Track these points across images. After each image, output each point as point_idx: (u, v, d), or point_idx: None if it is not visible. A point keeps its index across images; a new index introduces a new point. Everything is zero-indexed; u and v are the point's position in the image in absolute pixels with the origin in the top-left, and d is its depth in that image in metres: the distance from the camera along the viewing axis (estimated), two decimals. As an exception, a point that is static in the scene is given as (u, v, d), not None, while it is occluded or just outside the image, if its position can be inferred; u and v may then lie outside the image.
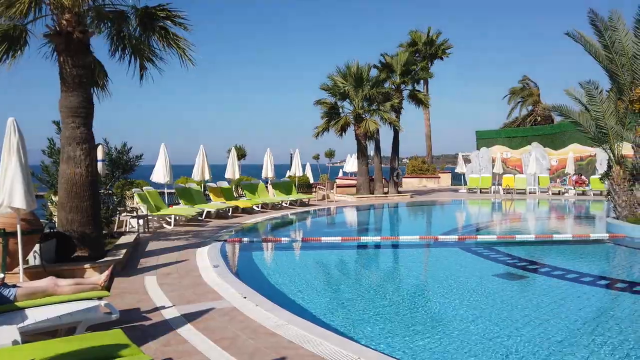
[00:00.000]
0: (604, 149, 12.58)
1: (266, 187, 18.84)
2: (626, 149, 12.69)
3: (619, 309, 6.04)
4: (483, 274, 7.72)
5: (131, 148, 9.43)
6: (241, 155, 25.30)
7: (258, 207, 16.74)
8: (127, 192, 11.72)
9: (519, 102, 46.27)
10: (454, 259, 9.05)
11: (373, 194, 23.08)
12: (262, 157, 19.48)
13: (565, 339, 4.69)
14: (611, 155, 12.20)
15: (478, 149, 32.76)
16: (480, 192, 26.93)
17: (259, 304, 5.43)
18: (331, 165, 41.48)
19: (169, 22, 7.93)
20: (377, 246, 10.67)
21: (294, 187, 20.02)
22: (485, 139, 34.36)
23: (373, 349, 4.24)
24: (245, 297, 5.70)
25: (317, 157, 42.21)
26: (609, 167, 12.49)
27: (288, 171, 25.21)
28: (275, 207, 17.76)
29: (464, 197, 24.33)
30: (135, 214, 11.57)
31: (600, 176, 23.72)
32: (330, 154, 40.32)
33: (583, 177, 26.20)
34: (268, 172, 19.14)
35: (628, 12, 11.68)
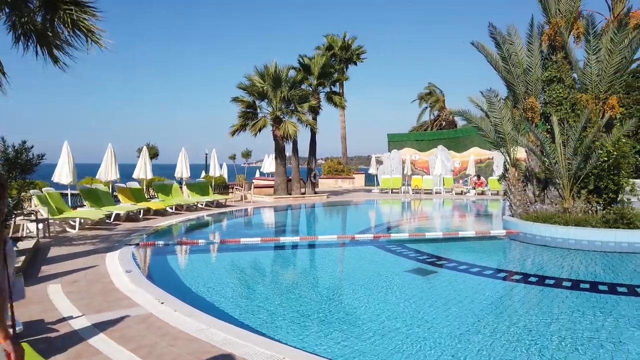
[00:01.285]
0: (501, 152, 13.73)
1: (180, 187, 18.19)
2: (520, 153, 13.98)
3: (516, 297, 6.66)
4: (396, 270, 8.10)
5: (32, 147, 8.61)
6: (153, 154, 24.20)
7: (172, 208, 16.11)
8: (25, 193, 10.70)
9: (426, 107, 49.11)
10: (369, 257, 9.39)
11: (291, 194, 23.21)
12: (176, 157, 18.79)
13: (472, 327, 5.08)
14: (507, 158, 13.36)
15: (389, 151, 34.22)
16: (392, 192, 28.16)
17: (178, 309, 5.25)
18: (248, 165, 41.04)
19: (74, 6, 7.37)
20: (296, 246, 10.76)
21: (210, 187, 19.53)
22: (396, 141, 36.00)
23: (297, 348, 4.29)
24: (162, 303, 5.47)
25: (233, 157, 41.55)
26: (505, 169, 13.66)
27: (204, 171, 24.54)
28: (191, 208, 17.21)
29: (376, 197, 25.31)
30: (33, 217, 10.60)
31: (497, 177, 25.97)
32: (247, 154, 39.91)
33: (482, 178, 28.43)
34: (182, 172, 18.49)
35: (524, 27, 12.91)
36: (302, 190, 24.08)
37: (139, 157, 17.48)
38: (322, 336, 4.79)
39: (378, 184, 30.20)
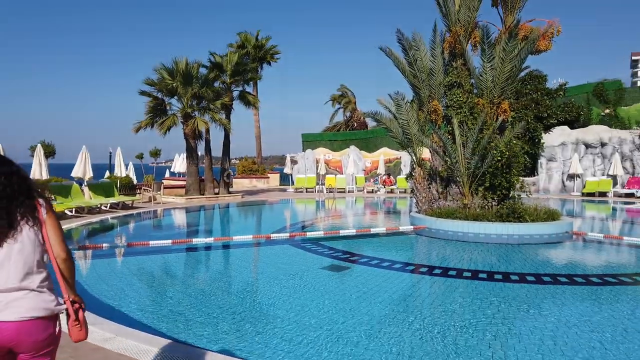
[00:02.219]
0: (408, 152, 14.48)
1: (81, 189, 16.92)
2: (425, 153, 14.85)
3: (423, 289, 7.07)
4: (311, 267, 8.22)
5: None
6: (49, 153, 22.27)
7: (71, 211, 14.94)
8: None
9: (339, 108, 50.34)
10: (285, 256, 9.43)
11: (203, 194, 22.58)
12: (76, 156, 17.46)
13: (383, 319, 5.30)
14: (414, 158, 14.11)
15: (304, 150, 34.61)
16: (306, 192, 28.50)
17: (80, 319, 4.88)
18: (157, 165, 39.20)
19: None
20: (210, 247, 10.50)
21: (115, 188, 18.39)
22: (310, 141, 36.51)
23: (212, 351, 4.19)
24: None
25: (140, 157, 39.49)
26: (412, 168, 14.43)
27: (108, 171, 23.07)
28: (93, 211, 16.08)
29: (291, 197, 25.47)
30: None
31: (405, 176, 27.36)
32: (155, 153, 38.11)
33: (391, 177, 29.76)
34: (84, 172, 17.23)
35: (429, 33, 13.68)
36: (216, 190, 23.54)
37: (32, 156, 15.99)
38: (238, 337, 4.73)
39: (293, 183, 30.41)
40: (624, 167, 25.64)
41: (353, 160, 30.85)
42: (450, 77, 13.22)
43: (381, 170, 30.59)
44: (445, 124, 13.61)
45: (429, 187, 13.75)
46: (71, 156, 19.14)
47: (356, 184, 30.15)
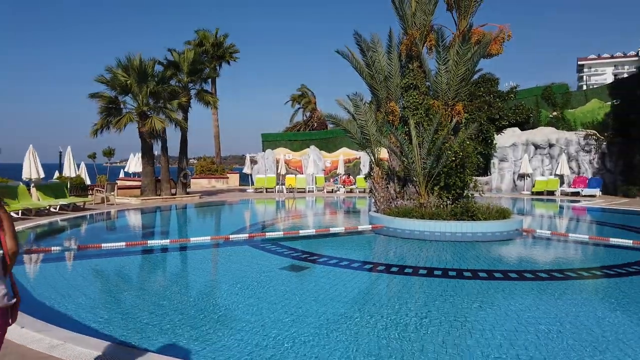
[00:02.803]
0: (367, 152, 14.69)
1: (29, 190, 16.15)
2: (383, 153, 15.09)
3: (381, 286, 7.19)
4: (270, 268, 8.19)
5: None
6: (-7, 152, 21.06)
7: (18, 213, 14.24)
8: None
9: (299, 108, 50.34)
10: (244, 257, 9.35)
11: (160, 195, 22.05)
12: (23, 155, 16.66)
13: (340, 317, 5.36)
14: (372, 158, 14.32)
15: (264, 150, 34.42)
16: (266, 192, 28.36)
17: (26, 325, 4.67)
18: (111, 165, 37.92)
19: None
20: (166, 249, 10.26)
21: (65, 189, 17.66)
22: (270, 141, 36.31)
23: (167, 355, 4.11)
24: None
25: (93, 156, 38.11)
26: (371, 168, 14.64)
27: (57, 171, 22.14)
28: (41, 213, 15.40)
29: (251, 197, 25.27)
30: None
31: (364, 176, 27.70)
32: (109, 153, 36.88)
33: (351, 177, 30.06)
34: (31, 172, 16.46)
35: (387, 35, 13.90)
36: (173, 190, 23.03)
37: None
38: (194, 340, 4.65)
39: (253, 184, 30.18)
40: (570, 167, 26.96)
41: (313, 160, 30.96)
42: (406, 79, 13.50)
43: (341, 170, 30.85)
44: (402, 125, 13.89)
45: (387, 187, 13.98)
46: (17, 156, 18.25)
47: (316, 184, 30.26)
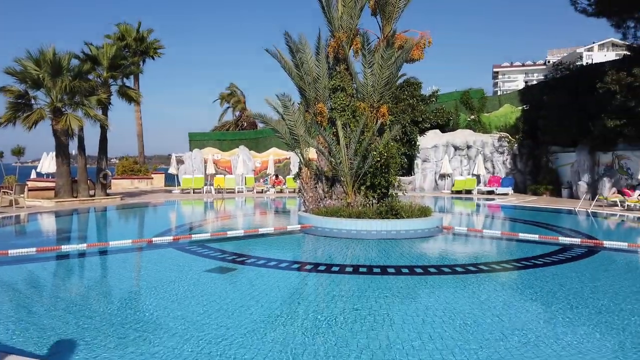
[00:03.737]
0: (296, 153, 14.78)
1: None
2: (312, 153, 15.26)
3: (308, 285, 7.28)
4: (196, 270, 7.99)
5: None
6: None
7: None
8: None
9: (228, 107, 49.48)
10: (168, 260, 9.04)
11: (76, 197, 20.72)
12: None
13: (269, 318, 5.36)
14: (301, 158, 14.43)
15: (191, 150, 33.47)
16: (194, 193, 27.61)
17: None
18: (21, 165, 35.00)
19: None
20: (83, 254, 9.67)
21: (-34, 192, 16.07)
22: (198, 140, 35.37)
23: (81, 366, 3.89)
24: None
25: (0, 156, 34.99)
26: (300, 168, 14.76)
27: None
28: (-63, 218, 13.90)
29: (177, 198, 24.48)
30: None
31: (293, 176, 27.80)
32: (18, 152, 34.02)
33: (280, 177, 30.06)
34: None
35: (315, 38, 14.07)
36: (91, 192, 21.74)
37: None
38: (115, 349, 4.44)
39: (179, 184, 29.24)
40: (485, 168, 28.83)
41: (243, 161, 30.58)
42: (334, 81, 13.76)
43: (271, 170, 30.75)
44: (330, 126, 14.13)
45: (316, 187, 14.16)
46: None
47: (246, 184, 29.93)
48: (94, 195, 21.67)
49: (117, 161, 37.50)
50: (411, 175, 29.90)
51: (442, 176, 29.52)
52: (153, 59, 38.61)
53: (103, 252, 9.80)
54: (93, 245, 10.51)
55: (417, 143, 29.31)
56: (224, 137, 37.28)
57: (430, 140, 29.79)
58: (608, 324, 5.26)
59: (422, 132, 30.02)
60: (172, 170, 29.75)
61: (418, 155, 29.65)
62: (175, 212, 19.48)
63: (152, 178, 33.72)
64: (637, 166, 18.98)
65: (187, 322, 5.21)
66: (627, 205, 18.37)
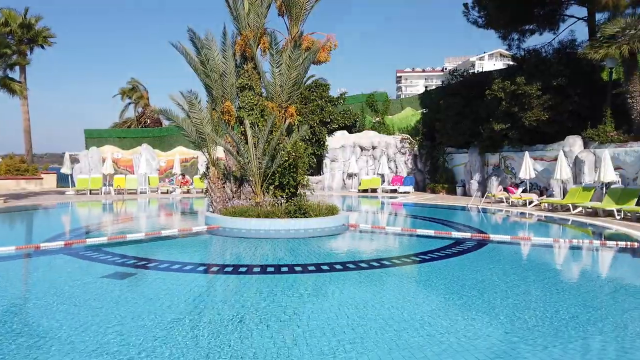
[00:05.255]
0: (203, 152, 14.39)
1: None
2: (220, 153, 14.96)
3: (214, 287, 7.12)
4: (91, 277, 7.46)
5: None
6: None
7: None
8: None
9: (129, 103, 46.74)
10: (58, 267, 8.34)
11: (-52, 200, 18.33)
12: None
13: (172, 324, 5.16)
14: (208, 157, 14.08)
15: (87, 148, 31.17)
16: (91, 194, 25.78)
17: None
18: None
19: None
20: (-45, 265, 8.57)
21: None
22: (95, 138, 33.00)
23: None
24: None
25: None
26: (207, 168, 14.39)
27: None
28: None
29: (72, 200, 22.68)
30: None
31: (200, 176, 27.07)
32: None
33: (187, 177, 29.08)
34: None
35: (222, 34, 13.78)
36: (-33, 194, 19.36)
37: None
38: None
39: (74, 185, 27.07)
40: (389, 167, 30.28)
41: (146, 159, 29.07)
42: (242, 80, 13.60)
43: (177, 170, 29.61)
44: (238, 125, 13.95)
45: (224, 187, 13.91)
46: None
47: (149, 184, 28.52)
48: (-30, 198, 19.32)
49: (0, 160, 33.74)
50: (320, 174, 30.50)
51: (350, 175, 30.48)
52: (43, 47, 35.33)
53: (-20, 261, 8.76)
54: (-32, 253, 9.37)
55: (326, 143, 29.97)
56: (125, 134, 35.17)
57: (338, 141, 30.61)
58: (494, 307, 5.79)
59: (331, 132, 30.75)
60: (65, 169, 27.44)
61: (327, 155, 30.32)
62: (69, 215, 18.01)
63: (42, 178, 30.89)
64: (520, 166, 21.07)
65: (78, 332, 4.85)
66: (512, 201, 20.32)
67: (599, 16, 22.35)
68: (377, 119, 33.43)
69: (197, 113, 13.55)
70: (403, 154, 30.47)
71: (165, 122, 41.50)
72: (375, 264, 8.66)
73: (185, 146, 31.41)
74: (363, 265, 8.49)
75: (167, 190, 27.72)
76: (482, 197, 22.65)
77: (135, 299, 6.17)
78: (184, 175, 28.97)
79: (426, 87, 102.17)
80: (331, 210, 12.91)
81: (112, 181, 27.72)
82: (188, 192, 27.42)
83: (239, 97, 13.81)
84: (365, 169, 30.69)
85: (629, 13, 20.31)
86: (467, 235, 11.60)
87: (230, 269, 8.29)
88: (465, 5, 25.37)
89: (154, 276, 7.75)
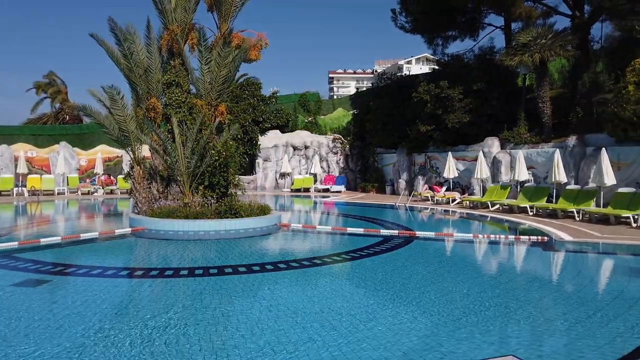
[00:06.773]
0: (127, 151, 13.71)
1: None
2: (146, 151, 14.32)
3: (138, 292, 6.80)
4: (0, 286, 6.86)
5: None
6: None
7: None
8: None
9: (45, 97, 43.49)
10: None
11: None
12: None
13: (94, 334, 4.85)
14: (132, 156, 13.44)
15: (-3, 146, 28.61)
16: (1, 195, 23.70)
17: None
18: None
19: None
20: None
21: None
22: (6, 135, 30.34)
23: None
24: None
25: None
26: (132, 167, 13.73)
27: None
28: None
29: (-23, 202, 20.71)
30: None
31: (124, 176, 25.80)
32: None
33: (111, 177, 27.60)
34: None
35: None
36: None
37: None
38: None
39: (-20, 186, 24.77)
40: (322, 167, 30.57)
41: (64, 158, 27.22)
42: (168, 76, 13.13)
43: (99, 169, 28.02)
44: (165, 123, 13.45)
45: (150, 187, 13.36)
46: None
47: (68, 185, 26.75)
48: None
49: None
50: (253, 174, 30.16)
51: (283, 175, 30.41)
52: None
53: None
54: None
55: (258, 142, 29.69)
56: (40, 131, 32.67)
57: (270, 140, 30.43)
58: (420, 299, 6.02)
59: (263, 132, 30.51)
60: (-30, 169, 25.04)
61: (259, 154, 30.04)
62: (-27, 219, 16.44)
63: (-58, 179, 27.92)
64: (444, 166, 22.10)
65: (-18, 347, 4.43)
66: (436, 199, 21.28)
67: (514, 25, 24.02)
68: (310, 118, 33.65)
69: (120, 109, 12.89)
70: (335, 153, 30.90)
71: (86, 119, 39.15)
72: (306, 262, 8.70)
73: (108, 145, 29.76)
74: (294, 264, 8.50)
75: (89, 191, 26.15)
76: (409, 195, 23.51)
77: (51, 307, 5.75)
78: (108, 175, 27.48)
79: (357, 88, 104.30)
80: (263, 210, 12.80)
81: (25, 181, 25.70)
82: (111, 192, 26.04)
83: (165, 94, 13.30)
84: (298, 169, 30.77)
85: (540, 24, 22.02)
86: (395, 232, 11.98)
87: (156, 272, 7.96)
88: (393, 10, 26.19)
89: (71, 283, 7.28)
